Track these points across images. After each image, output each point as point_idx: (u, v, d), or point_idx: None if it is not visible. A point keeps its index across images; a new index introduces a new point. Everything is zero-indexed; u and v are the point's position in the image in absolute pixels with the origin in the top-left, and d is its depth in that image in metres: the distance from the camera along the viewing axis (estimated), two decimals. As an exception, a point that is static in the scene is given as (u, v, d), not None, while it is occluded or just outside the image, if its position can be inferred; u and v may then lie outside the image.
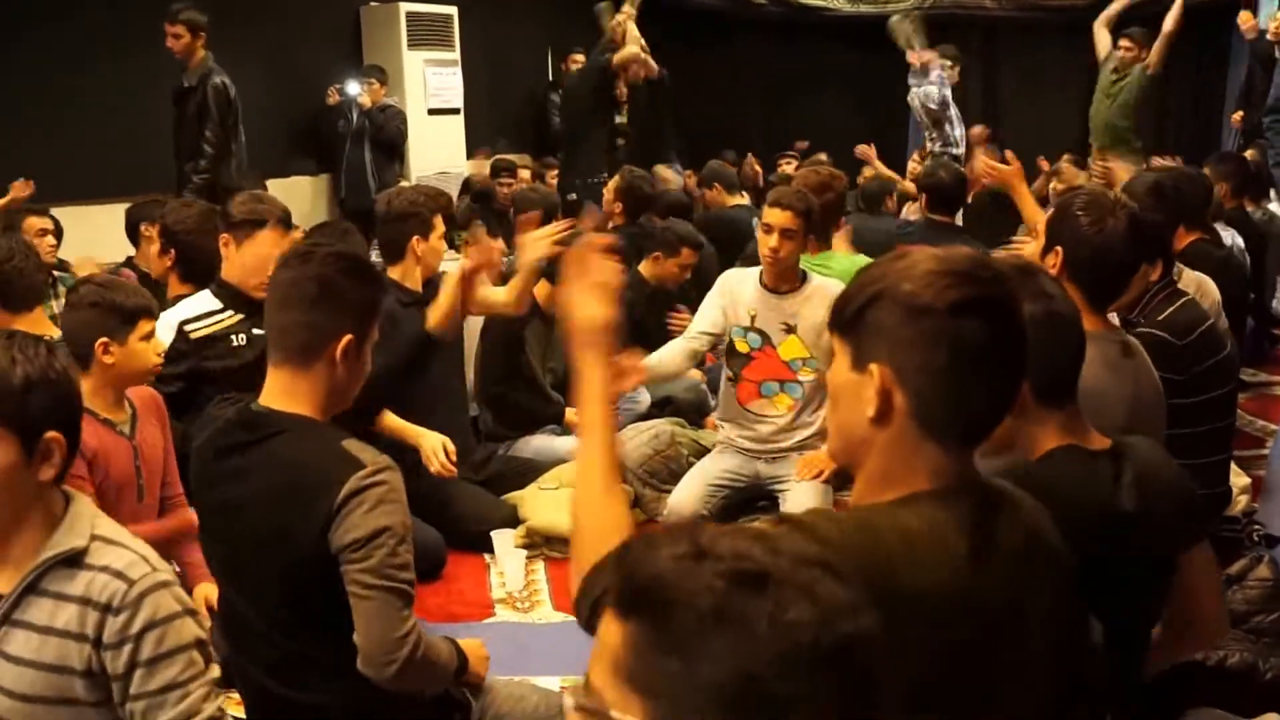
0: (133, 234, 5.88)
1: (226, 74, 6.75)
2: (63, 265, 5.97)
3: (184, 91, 6.74)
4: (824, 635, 0.93)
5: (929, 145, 8.85)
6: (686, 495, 4.31)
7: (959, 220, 6.07)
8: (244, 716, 2.44)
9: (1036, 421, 1.98)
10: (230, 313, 3.78)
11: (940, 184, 5.75)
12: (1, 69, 7.02)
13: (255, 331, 3.72)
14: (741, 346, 4.33)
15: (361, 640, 2.18)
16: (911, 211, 7.30)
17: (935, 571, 1.40)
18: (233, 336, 3.76)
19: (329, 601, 2.20)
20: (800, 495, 4.21)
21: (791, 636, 0.92)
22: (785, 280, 4.27)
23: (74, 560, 1.88)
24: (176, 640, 1.87)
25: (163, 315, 3.63)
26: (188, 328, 3.72)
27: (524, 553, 3.95)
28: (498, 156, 9.25)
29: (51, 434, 1.86)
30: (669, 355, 4.35)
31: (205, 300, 3.82)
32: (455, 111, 10.06)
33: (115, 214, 6.15)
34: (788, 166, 9.42)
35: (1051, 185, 7.57)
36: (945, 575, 1.41)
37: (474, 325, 4.70)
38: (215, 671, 1.95)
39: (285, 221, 3.91)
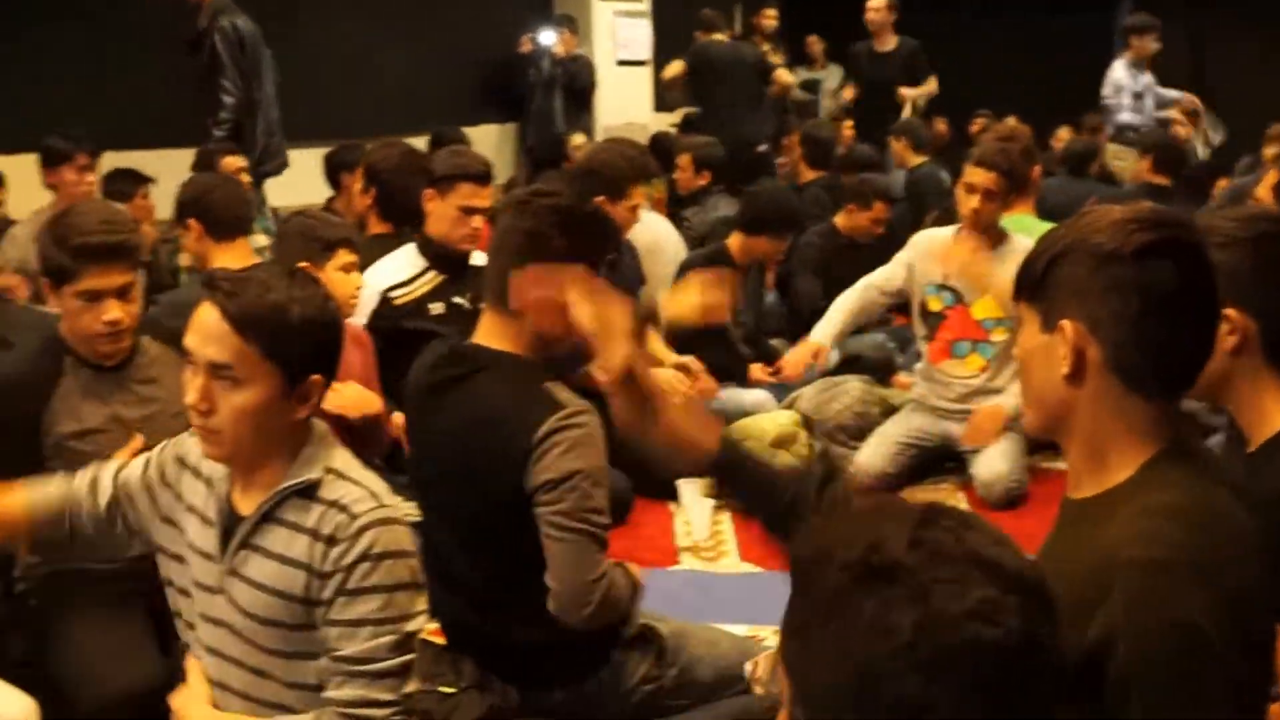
0: (333, 178, 6.04)
1: (242, 14, 6.01)
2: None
3: (198, 36, 6.03)
4: (924, 640, 0.90)
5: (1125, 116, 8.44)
6: (874, 454, 4.26)
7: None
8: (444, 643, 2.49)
9: (1262, 386, 1.81)
10: (433, 274, 3.84)
11: (1167, 146, 5.61)
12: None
13: (455, 300, 3.77)
14: (934, 304, 4.24)
15: (554, 583, 2.20)
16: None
17: (1243, 564, 1.35)
18: (431, 305, 3.81)
19: (523, 541, 2.23)
20: (991, 458, 4.11)
21: (890, 638, 0.91)
22: (984, 239, 4.15)
23: (308, 492, 1.93)
24: (382, 578, 1.90)
25: (367, 276, 3.73)
26: (392, 294, 3.78)
27: (711, 502, 3.94)
28: (686, 110, 9.21)
29: (315, 377, 1.92)
30: (844, 307, 4.31)
31: (409, 259, 3.88)
32: (643, 63, 10.04)
33: (311, 157, 6.34)
34: (979, 127, 9.13)
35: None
36: (1252, 568, 1.36)
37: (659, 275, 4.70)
38: (417, 623, 1.97)
39: (485, 175, 3.96)
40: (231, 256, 3.78)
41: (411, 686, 1.99)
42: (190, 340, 1.90)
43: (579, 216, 2.33)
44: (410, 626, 1.95)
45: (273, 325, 1.86)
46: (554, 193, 2.38)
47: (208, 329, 1.87)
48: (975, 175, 4.07)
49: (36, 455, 2.70)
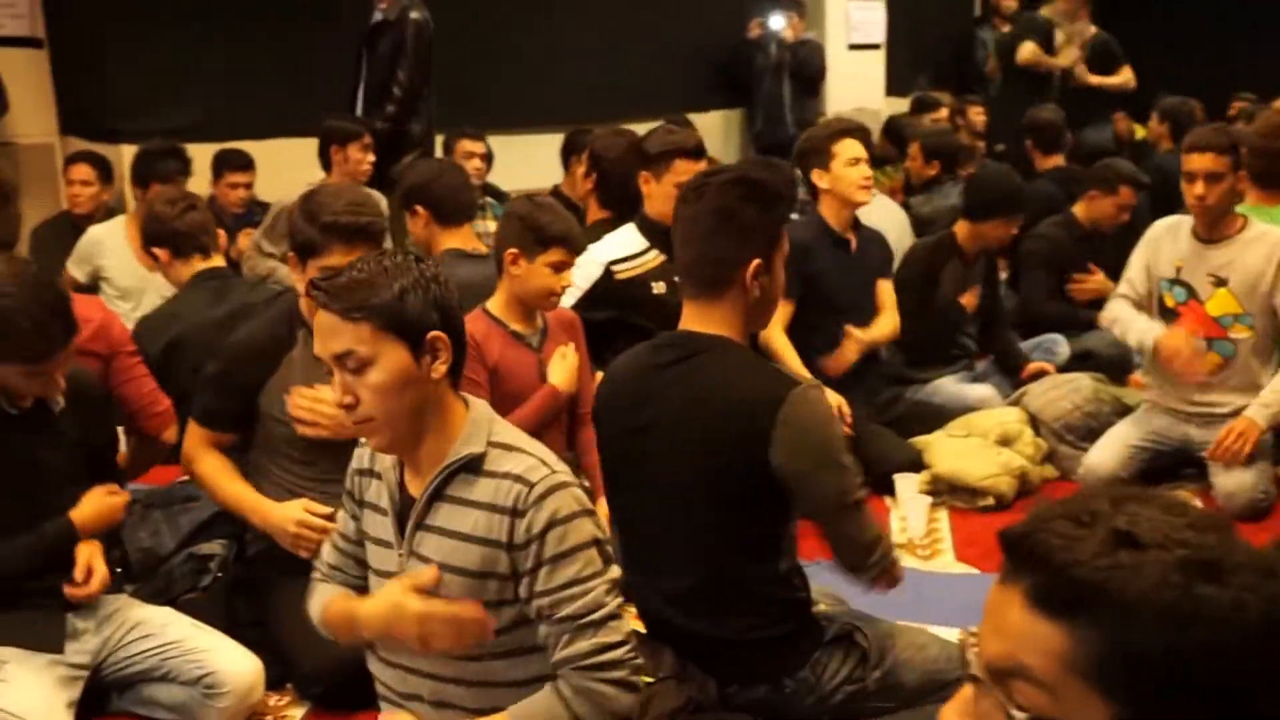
0: (564, 162, 6.15)
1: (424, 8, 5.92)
2: (492, 189, 6.33)
3: (378, 26, 5.95)
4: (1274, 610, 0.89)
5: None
6: (1105, 456, 4.05)
7: None
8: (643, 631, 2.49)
9: None
10: (654, 253, 3.86)
11: None
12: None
13: (677, 280, 3.77)
14: (1168, 300, 4.01)
15: (843, 557, 2.27)
16: None
17: None
18: (653, 283, 3.83)
19: (748, 522, 2.23)
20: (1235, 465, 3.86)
21: (1249, 620, 0.88)
22: (1217, 228, 3.90)
23: (473, 466, 1.97)
24: (577, 538, 1.93)
25: (591, 249, 3.76)
26: (615, 268, 3.82)
27: (927, 499, 3.83)
28: (919, 93, 9.00)
29: (434, 332, 1.95)
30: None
31: (630, 237, 3.91)
32: (876, 47, 9.85)
33: (547, 143, 6.47)
34: (1235, 111, 8.58)
35: None
36: None
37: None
38: (615, 571, 1.99)
39: (698, 151, 3.94)
40: (457, 241, 3.88)
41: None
42: (317, 346, 1.98)
43: (759, 183, 2.29)
44: (612, 573, 1.97)
45: (375, 301, 1.91)
46: (723, 169, 2.37)
47: (324, 328, 1.94)
48: (1192, 161, 3.83)
49: (252, 416, 2.86)
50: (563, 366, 3.22)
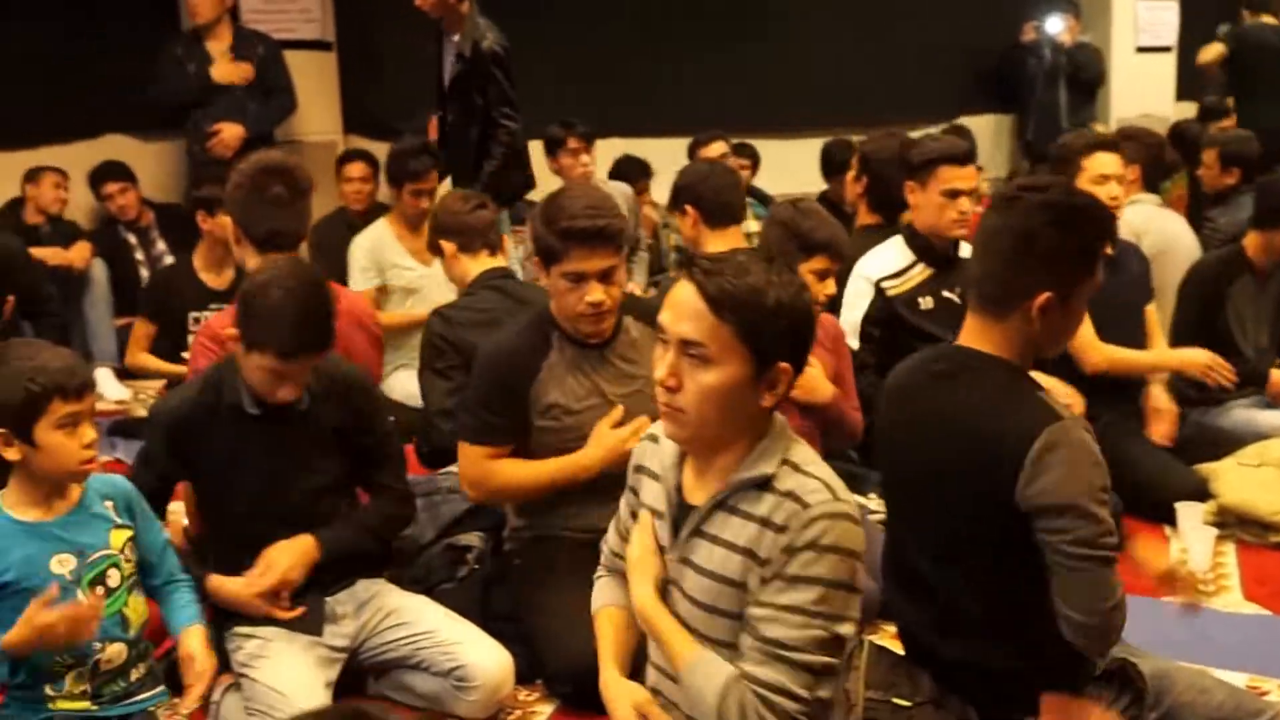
0: (825, 168, 6.06)
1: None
2: (756, 192, 6.29)
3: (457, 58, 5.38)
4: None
5: None
6: None
7: None
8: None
9: None
10: (920, 267, 3.75)
11: None
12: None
13: (944, 294, 3.67)
14: None
15: (1071, 611, 2.04)
16: None
17: None
18: (920, 299, 3.71)
19: (1001, 556, 2.09)
20: None
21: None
22: None
23: (763, 484, 1.91)
24: (824, 571, 1.84)
25: (859, 266, 3.69)
26: (884, 285, 3.73)
27: (1214, 531, 3.55)
28: (1209, 98, 8.45)
29: (784, 365, 1.90)
30: None
31: (897, 251, 3.80)
32: (1167, 49, 9.31)
33: (808, 148, 6.38)
34: None
35: None
36: None
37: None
38: (847, 628, 1.89)
39: (966, 156, 3.79)
40: (724, 242, 3.85)
41: (858, 691, 1.91)
42: (665, 316, 1.93)
43: (1072, 210, 2.12)
44: (841, 629, 1.88)
45: (749, 306, 1.85)
46: (1044, 186, 2.18)
47: (683, 306, 1.89)
48: None
49: (527, 422, 2.87)
50: (806, 375, 3.14)
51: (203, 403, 2.71)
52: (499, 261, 3.80)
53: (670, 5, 7.54)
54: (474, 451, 2.90)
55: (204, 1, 5.90)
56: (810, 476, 1.90)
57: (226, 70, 5.94)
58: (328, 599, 2.75)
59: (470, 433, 2.91)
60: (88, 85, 6.14)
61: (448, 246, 3.80)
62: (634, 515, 2.15)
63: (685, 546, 1.97)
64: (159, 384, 4.92)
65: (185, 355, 4.43)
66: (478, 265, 3.75)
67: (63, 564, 2.39)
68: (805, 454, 1.96)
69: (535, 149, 5.65)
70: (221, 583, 2.71)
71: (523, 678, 2.81)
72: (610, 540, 2.27)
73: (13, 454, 2.36)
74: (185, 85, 5.91)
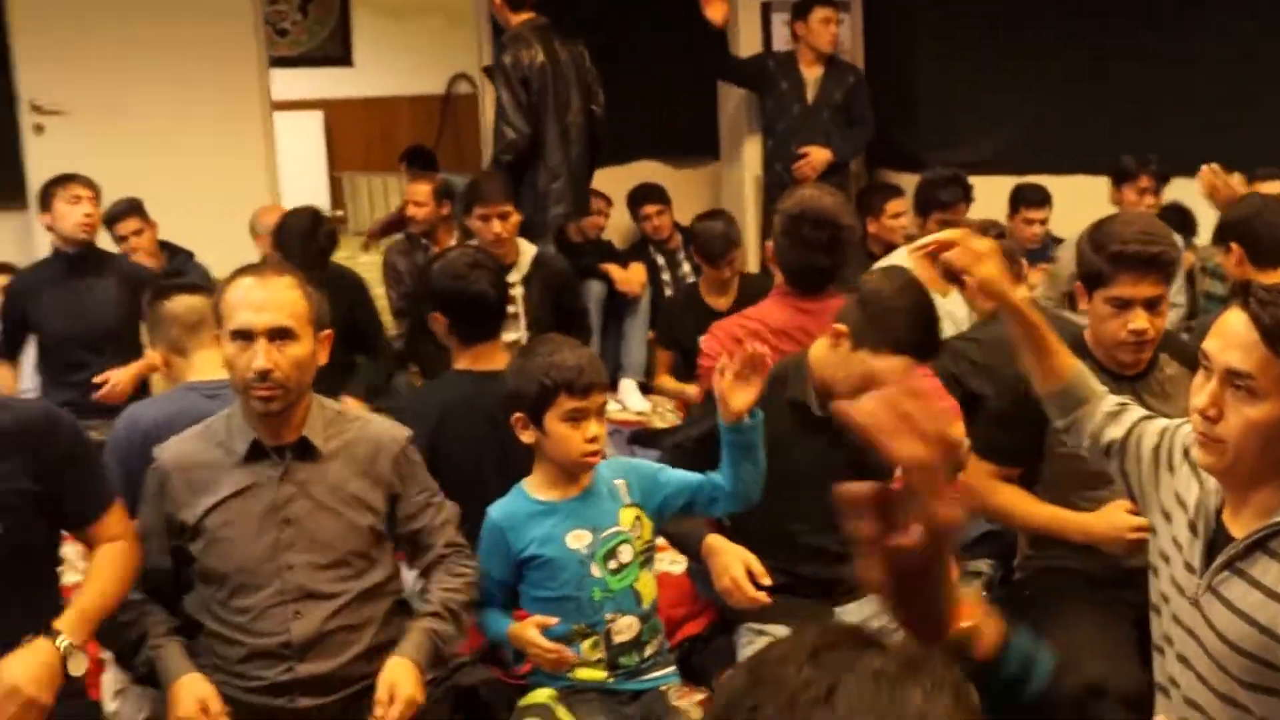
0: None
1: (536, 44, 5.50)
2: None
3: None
4: None
5: None
6: None
7: None
8: None
9: None
10: None
11: None
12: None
13: None
14: None
15: None
16: None
17: None
18: None
19: None
20: None
21: None
22: None
23: None
24: None
25: None
26: None
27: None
28: None
29: None
30: None
31: None
32: None
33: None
34: None
35: None
36: None
37: None
38: None
39: None
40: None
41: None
42: (1211, 344, 1.87)
43: None
44: None
45: None
46: None
47: (1234, 335, 1.83)
48: None
49: (1040, 446, 2.80)
50: None
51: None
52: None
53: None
54: (981, 465, 2.90)
55: (821, 33, 6.26)
56: None
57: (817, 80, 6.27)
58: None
59: (981, 446, 2.90)
60: (627, 113, 6.63)
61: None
62: (1154, 460, 2.13)
63: (1217, 576, 1.91)
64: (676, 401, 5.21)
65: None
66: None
67: (578, 539, 2.59)
68: None
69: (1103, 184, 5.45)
70: None
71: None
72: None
73: (528, 437, 2.60)
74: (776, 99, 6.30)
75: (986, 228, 3.92)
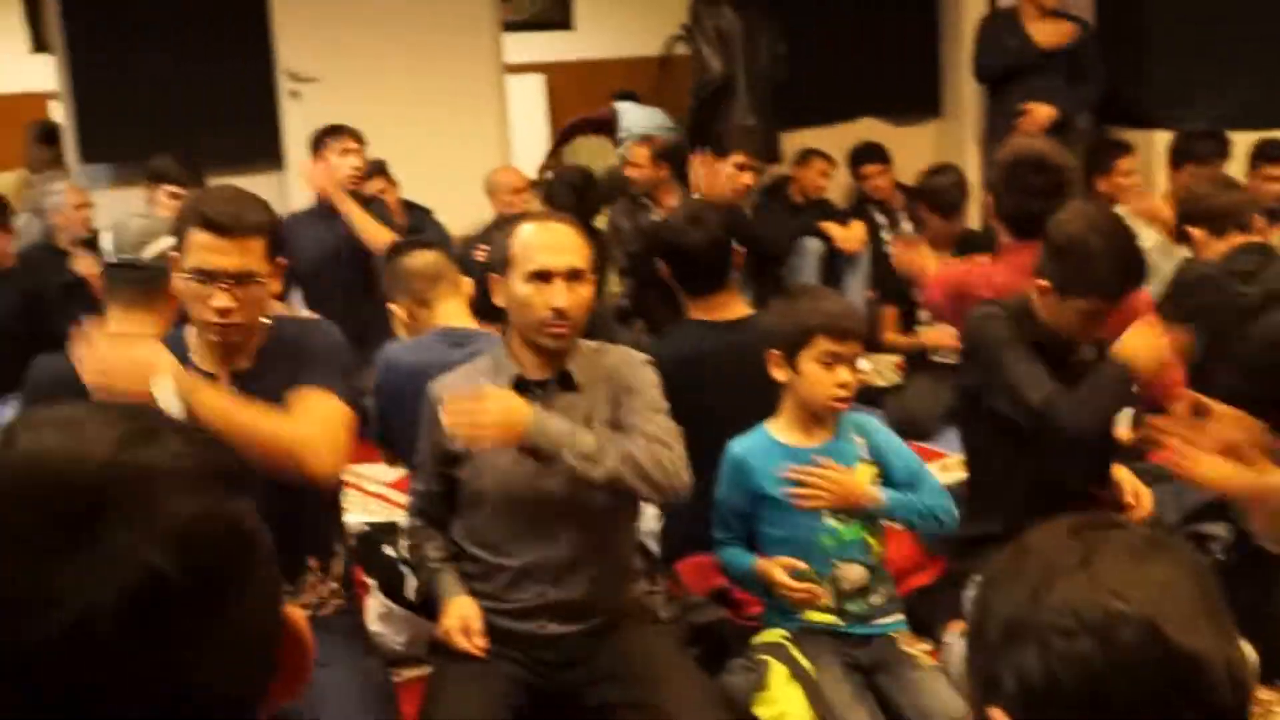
0: None
1: None
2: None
3: None
4: None
5: None
6: None
7: None
8: None
9: None
10: None
11: None
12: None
13: None
14: None
15: None
16: None
17: None
18: None
19: None
20: None
21: None
22: None
23: None
24: None
25: None
26: None
27: None
28: None
29: None
30: None
31: None
32: None
33: None
34: None
35: None
36: None
37: None
38: None
39: None
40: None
41: None
42: None
43: None
44: None
45: None
46: None
47: None
48: None
49: None
50: None
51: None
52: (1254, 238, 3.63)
53: None
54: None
55: None
56: None
57: (1048, 33, 6.09)
58: None
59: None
60: (848, 71, 6.64)
61: (1195, 232, 3.68)
62: None
63: None
64: (898, 359, 5.23)
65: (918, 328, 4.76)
66: (1228, 244, 3.60)
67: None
68: None
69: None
70: None
71: (1267, 676, 2.65)
72: None
73: (781, 375, 2.66)
74: (1004, 52, 6.16)
75: (1228, 185, 3.81)
